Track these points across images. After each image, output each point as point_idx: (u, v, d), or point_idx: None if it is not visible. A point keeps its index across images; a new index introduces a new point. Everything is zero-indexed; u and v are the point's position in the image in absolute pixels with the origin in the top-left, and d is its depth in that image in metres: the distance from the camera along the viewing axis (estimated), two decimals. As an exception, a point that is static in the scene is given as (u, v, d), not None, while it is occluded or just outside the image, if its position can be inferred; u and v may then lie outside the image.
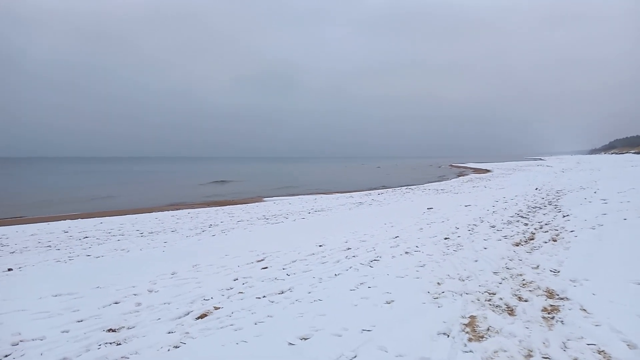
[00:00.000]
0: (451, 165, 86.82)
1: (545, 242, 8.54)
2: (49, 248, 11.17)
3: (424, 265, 7.30)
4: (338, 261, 8.00)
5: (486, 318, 4.73)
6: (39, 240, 12.16)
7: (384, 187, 35.93)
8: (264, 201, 24.25)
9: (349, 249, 9.17)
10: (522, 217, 11.88)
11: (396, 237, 10.25)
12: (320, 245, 9.68)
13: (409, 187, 32.82)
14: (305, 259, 8.33)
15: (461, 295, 5.57)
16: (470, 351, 4.00)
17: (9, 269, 8.71)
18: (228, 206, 20.89)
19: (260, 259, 8.52)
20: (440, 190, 26.28)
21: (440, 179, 44.95)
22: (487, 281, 6.14)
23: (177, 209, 20.84)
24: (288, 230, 12.57)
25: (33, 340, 4.58)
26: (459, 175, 48.24)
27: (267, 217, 16.13)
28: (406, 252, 8.49)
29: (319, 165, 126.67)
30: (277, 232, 12.34)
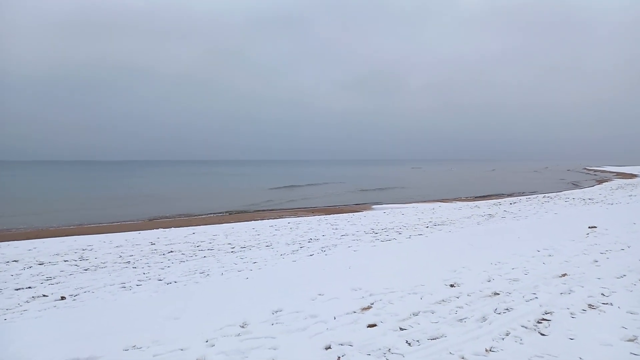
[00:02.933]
0: (586, 169, 76.77)
1: None
2: (126, 265, 9.66)
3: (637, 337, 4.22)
4: (484, 319, 5.19)
5: None
6: (121, 254, 10.80)
7: (511, 194, 31.31)
8: (373, 209, 21.63)
9: (495, 293, 6.27)
10: None
11: (563, 274, 7.06)
12: (451, 285, 6.85)
13: (545, 195, 27.97)
14: (432, 310, 5.63)
15: None
16: None
17: (62, 297, 7.12)
18: (332, 215, 18.60)
19: (366, 306, 5.93)
20: (589, 200, 21.51)
21: (576, 185, 38.68)
22: None
23: (279, 217, 19.09)
24: (403, 254, 9.81)
25: None
26: (599, 182, 41.24)
27: (376, 232, 13.50)
28: (590, 306, 5.45)
29: (420, 168, 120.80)
30: (389, 255, 9.65)
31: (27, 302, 6.94)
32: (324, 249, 10.97)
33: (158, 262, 9.90)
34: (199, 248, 11.53)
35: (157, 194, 38.58)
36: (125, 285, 7.86)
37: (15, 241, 12.88)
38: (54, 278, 8.52)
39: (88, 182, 60.16)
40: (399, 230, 13.75)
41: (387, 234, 13.12)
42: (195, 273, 8.79)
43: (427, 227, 14.27)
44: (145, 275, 8.71)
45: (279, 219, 17.82)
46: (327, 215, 18.30)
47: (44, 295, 7.25)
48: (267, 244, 11.86)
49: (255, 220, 17.93)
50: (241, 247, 11.51)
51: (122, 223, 19.04)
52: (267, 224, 15.92)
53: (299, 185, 44.78)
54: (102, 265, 9.67)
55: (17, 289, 7.74)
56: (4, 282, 8.20)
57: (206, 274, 8.71)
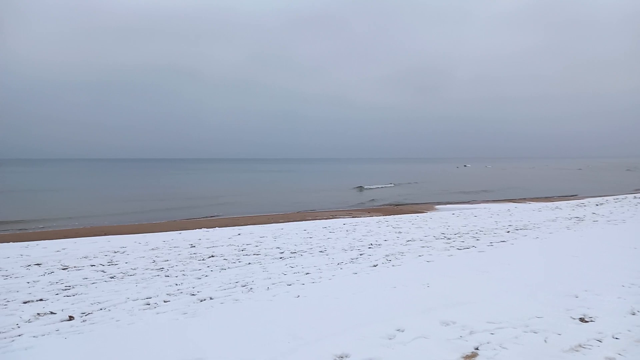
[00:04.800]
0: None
1: None
2: (158, 273, 8.24)
3: None
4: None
5: None
6: (155, 258, 9.43)
7: (602, 195, 28.12)
8: (437, 209, 19.50)
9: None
10: None
11: None
12: (581, 319, 4.90)
13: (636, 196, 24.70)
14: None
15: None
16: None
17: (70, 317, 5.70)
18: (392, 216, 16.67)
19: (469, 353, 4.10)
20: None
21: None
22: None
23: (331, 217, 17.39)
24: (492, 268, 7.83)
25: None
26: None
27: (449, 237, 11.50)
28: None
29: (468, 166, 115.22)
30: (474, 270, 7.70)
31: (28, 321, 5.57)
32: (389, 258, 9.15)
33: (195, 270, 8.42)
34: (244, 252, 10.00)
35: (209, 193, 37.97)
36: (150, 301, 6.38)
37: (48, 240, 11.88)
38: (73, 288, 7.19)
39: (149, 180, 60.97)
40: (476, 235, 11.68)
41: (462, 240, 11.10)
42: (236, 286, 7.21)
43: (508, 231, 12.10)
44: (177, 287, 7.22)
45: (332, 220, 16.12)
46: (387, 216, 16.40)
47: (51, 313, 5.88)
48: (320, 249, 10.18)
49: (306, 220, 16.32)
50: (291, 253, 9.89)
51: (165, 222, 18.00)
52: (320, 225, 14.24)
53: (370, 188, 41.89)
54: (131, 272, 8.30)
55: (25, 302, 6.44)
56: (15, 292, 6.94)
57: (249, 287, 7.12)
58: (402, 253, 9.69)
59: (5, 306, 6.23)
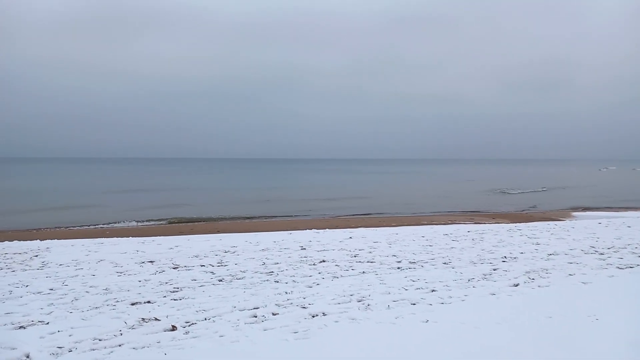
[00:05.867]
0: None
1: None
2: (267, 278, 7.60)
3: None
4: None
5: None
6: (265, 260, 8.86)
7: None
8: (575, 217, 16.96)
9: None
10: None
11: None
12: None
13: None
14: None
15: None
16: None
17: (172, 327, 5.17)
18: (524, 223, 14.65)
19: None
20: None
21: None
22: None
23: (450, 222, 15.86)
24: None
25: None
26: None
27: (601, 252, 9.52)
28: None
29: (613, 168, 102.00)
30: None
31: (132, 327, 5.16)
32: (531, 276, 7.62)
33: (306, 276, 7.67)
34: (357, 259, 9.08)
35: (324, 193, 37.98)
36: (258, 313, 5.69)
37: (164, 236, 12.04)
38: (181, 290, 6.80)
39: (257, 179, 63.27)
40: (637, 250, 9.56)
41: (619, 256, 9.11)
42: (351, 300, 6.30)
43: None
44: (287, 296, 6.50)
45: (452, 225, 14.60)
46: (518, 224, 14.45)
47: (155, 319, 5.44)
48: (444, 261, 8.90)
49: (421, 224, 14.99)
50: (410, 262, 8.75)
51: (276, 221, 17.80)
52: (440, 231, 12.85)
53: (512, 192, 36.99)
54: (240, 274, 7.79)
55: (133, 303, 6.13)
56: (126, 291, 6.72)
57: (366, 302, 6.16)
58: (546, 270, 8.07)
59: (114, 307, 5.94)
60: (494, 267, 8.32)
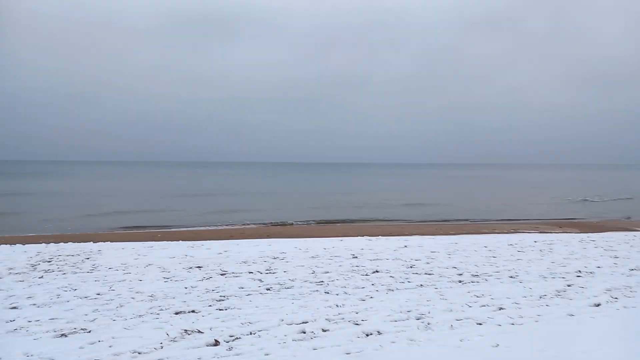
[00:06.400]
0: None
1: None
2: (317, 287, 7.15)
3: None
4: None
5: None
6: (315, 269, 8.41)
7: None
8: (654, 229, 15.37)
9: None
10: None
11: None
12: None
13: None
14: None
15: None
16: None
17: (215, 342, 4.80)
18: (597, 233, 13.38)
19: None
20: None
21: None
22: None
23: (513, 231, 14.81)
24: None
25: None
26: None
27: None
28: None
29: None
30: None
31: (173, 340, 4.85)
32: (613, 295, 6.75)
33: (358, 288, 7.16)
34: (413, 270, 8.45)
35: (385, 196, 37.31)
36: (307, 328, 5.24)
37: (213, 241, 11.87)
38: (227, 299, 6.48)
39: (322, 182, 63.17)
40: None
41: None
42: (409, 317, 5.72)
43: None
44: (338, 309, 6.01)
45: (516, 235, 13.59)
46: (591, 234, 13.23)
47: (198, 332, 5.10)
48: (510, 274, 8.11)
49: (481, 233, 14.07)
50: (472, 275, 8.03)
51: (325, 227, 17.37)
52: (504, 240, 11.92)
53: (594, 200, 32.11)
54: (289, 283, 7.38)
55: (177, 312, 5.85)
56: (171, 299, 6.47)
57: (425, 321, 5.56)
58: (630, 288, 7.15)
59: (158, 316, 5.68)
60: (567, 283, 7.46)
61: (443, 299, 6.56)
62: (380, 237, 12.58)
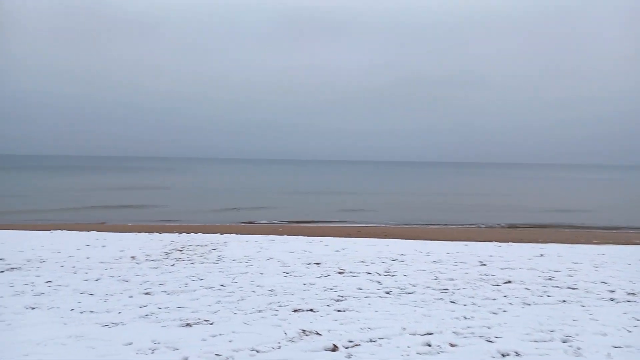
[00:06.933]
0: None
1: None
2: (441, 296, 6.60)
3: None
4: None
5: None
6: (437, 275, 7.82)
7: None
8: None
9: None
10: None
11: None
12: None
13: None
14: None
15: None
16: None
17: (334, 347, 4.55)
18: None
19: None
20: None
21: None
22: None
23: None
24: None
25: None
26: None
27: None
28: None
29: None
30: None
31: (291, 340, 4.71)
32: None
33: (488, 299, 6.46)
34: (553, 282, 7.45)
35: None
36: (432, 341, 4.76)
37: (331, 237, 11.78)
38: (345, 300, 6.23)
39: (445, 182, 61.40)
40: None
41: None
42: (552, 338, 4.96)
43: None
44: (467, 322, 5.42)
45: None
46: None
47: (317, 333, 4.90)
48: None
49: (633, 243, 12.18)
50: (627, 294, 6.86)
51: (443, 229, 16.45)
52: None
53: None
54: (410, 288, 6.92)
55: (296, 310, 5.74)
56: (290, 295, 6.40)
57: (574, 344, 4.77)
58: None
59: (276, 313, 5.61)
60: None
61: (593, 319, 5.61)
62: (511, 243, 11.47)
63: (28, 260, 8.21)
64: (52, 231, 11.87)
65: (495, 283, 7.35)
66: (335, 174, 79.40)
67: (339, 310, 5.75)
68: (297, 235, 11.87)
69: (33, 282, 6.74)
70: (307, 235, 11.99)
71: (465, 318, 5.59)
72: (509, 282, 7.45)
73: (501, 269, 8.37)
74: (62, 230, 12.24)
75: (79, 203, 24.65)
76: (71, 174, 61.87)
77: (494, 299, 6.46)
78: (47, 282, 6.80)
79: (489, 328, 5.24)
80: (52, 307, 5.58)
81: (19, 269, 7.61)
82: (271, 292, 6.49)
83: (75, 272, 7.44)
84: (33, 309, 5.53)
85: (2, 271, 7.39)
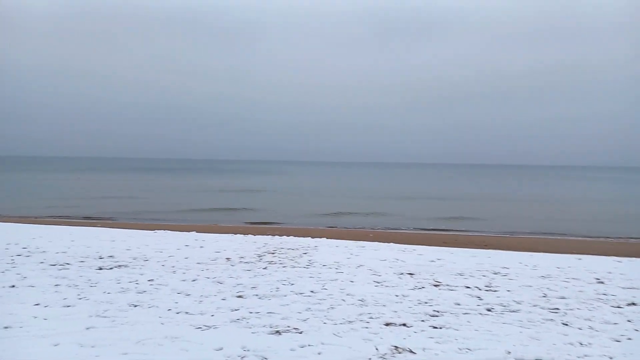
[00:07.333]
0: None
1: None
2: (552, 315, 5.92)
3: None
4: None
5: None
6: (546, 292, 7.05)
7: None
8: None
9: None
10: None
11: None
12: None
13: None
14: None
15: None
16: None
17: (429, 368, 4.19)
18: None
19: None
20: None
21: None
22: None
23: None
24: None
25: None
26: None
27: None
28: None
29: None
30: None
31: (382, 358, 4.42)
32: None
33: (609, 323, 5.68)
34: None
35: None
36: (542, 370, 4.20)
37: (425, 246, 11.24)
38: (441, 315, 5.81)
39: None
40: None
41: None
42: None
43: None
44: (584, 349, 4.79)
45: None
46: None
47: (410, 352, 4.57)
48: None
49: None
50: None
51: (554, 239, 15.08)
52: None
53: None
54: (514, 306, 6.30)
55: (387, 324, 5.44)
56: (381, 306, 6.11)
57: None
58: None
59: (367, 325, 5.35)
60: None
61: None
62: (634, 258, 10.15)
63: (134, 259, 8.76)
64: (155, 231, 12.65)
65: (616, 304, 6.46)
66: (432, 178, 77.03)
67: (434, 327, 5.36)
68: (389, 243, 11.49)
69: (137, 280, 7.12)
70: (399, 243, 11.57)
71: (581, 344, 4.93)
72: (633, 304, 6.51)
73: (623, 288, 7.36)
74: (164, 230, 13.01)
75: (187, 205, 26.11)
76: (175, 176, 66.28)
77: (616, 324, 5.66)
78: (149, 280, 7.16)
79: (610, 358, 4.56)
80: (152, 306, 5.82)
81: (126, 266, 8.12)
82: (362, 302, 6.25)
83: (174, 271, 7.77)
84: (135, 306, 5.81)
85: (111, 268, 7.93)
